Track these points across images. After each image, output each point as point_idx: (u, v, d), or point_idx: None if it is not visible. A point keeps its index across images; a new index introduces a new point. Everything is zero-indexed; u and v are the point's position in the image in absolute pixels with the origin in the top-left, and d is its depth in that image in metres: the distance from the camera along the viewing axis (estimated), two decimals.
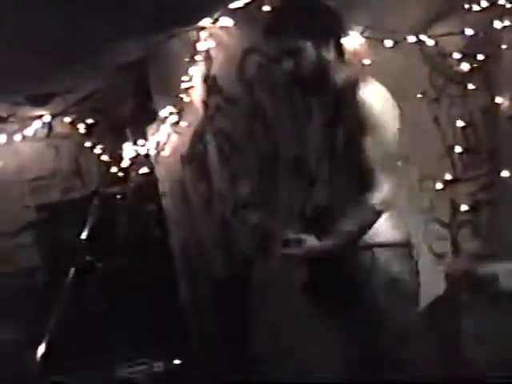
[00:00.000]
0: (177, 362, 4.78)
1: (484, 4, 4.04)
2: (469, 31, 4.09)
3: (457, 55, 4.15)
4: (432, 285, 3.77)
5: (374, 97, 2.72)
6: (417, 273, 2.87)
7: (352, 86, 2.74)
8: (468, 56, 4.13)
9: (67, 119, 5.94)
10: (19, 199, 5.89)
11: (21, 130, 5.70)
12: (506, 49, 4.06)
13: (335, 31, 2.86)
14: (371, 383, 2.73)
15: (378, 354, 2.73)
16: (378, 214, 2.73)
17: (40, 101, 5.54)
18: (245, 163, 4.61)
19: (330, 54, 2.82)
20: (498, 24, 4.04)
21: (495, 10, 4.03)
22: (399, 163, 2.84)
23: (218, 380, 4.75)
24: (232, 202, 4.73)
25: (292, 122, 3.05)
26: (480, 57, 4.11)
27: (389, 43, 4.17)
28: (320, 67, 2.80)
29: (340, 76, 2.82)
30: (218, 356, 4.96)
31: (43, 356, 2.90)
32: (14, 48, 4.16)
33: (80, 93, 5.71)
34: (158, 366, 4.81)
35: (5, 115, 5.59)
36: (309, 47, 2.78)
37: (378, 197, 2.69)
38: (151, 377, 4.78)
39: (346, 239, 2.74)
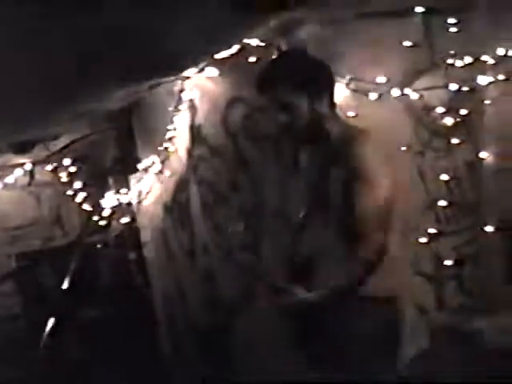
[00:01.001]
0: None
1: (467, 60, 4.09)
2: (453, 86, 4.13)
3: (441, 109, 4.19)
4: (416, 339, 3.76)
5: (366, 150, 2.74)
6: (401, 327, 2.87)
7: (345, 139, 2.77)
8: (452, 110, 4.17)
9: (49, 167, 5.91)
10: (0, 248, 5.83)
11: (2, 177, 5.67)
12: (489, 104, 4.10)
13: (328, 84, 2.90)
14: None
15: None
16: (366, 268, 2.73)
17: (22, 148, 5.52)
18: (228, 213, 4.59)
19: (324, 107, 2.84)
20: (481, 79, 4.08)
21: (478, 66, 4.08)
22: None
23: None
24: (216, 250, 4.70)
25: (278, 173, 3.06)
26: (464, 111, 4.15)
27: (373, 96, 4.20)
28: (313, 121, 2.83)
29: (333, 129, 2.85)
30: None
31: None
32: None
33: (62, 140, 5.70)
34: None
35: None
36: (302, 101, 2.80)
37: (366, 251, 2.70)
38: None
39: (334, 291, 2.73)
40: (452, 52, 4.11)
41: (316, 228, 2.82)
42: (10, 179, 5.71)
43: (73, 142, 5.75)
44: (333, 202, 2.76)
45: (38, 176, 5.99)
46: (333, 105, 2.92)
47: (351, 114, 4.08)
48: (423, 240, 4.16)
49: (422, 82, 4.21)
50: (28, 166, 5.79)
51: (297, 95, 2.80)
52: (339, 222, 2.75)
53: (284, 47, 4.18)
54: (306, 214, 2.85)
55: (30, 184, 5.98)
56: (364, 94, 4.20)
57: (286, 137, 2.94)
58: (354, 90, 4.20)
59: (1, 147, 5.46)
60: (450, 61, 4.13)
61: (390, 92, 4.20)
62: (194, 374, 5.00)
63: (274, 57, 3.91)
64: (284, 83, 2.81)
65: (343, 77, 4.16)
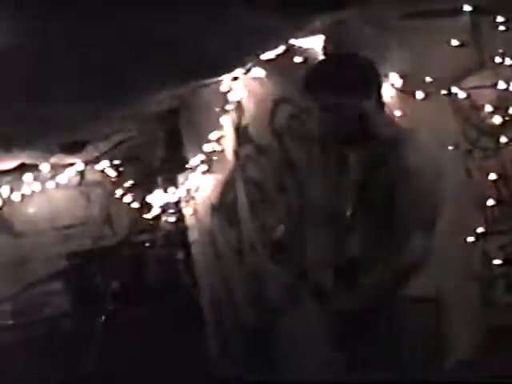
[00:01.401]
0: None
1: None
2: (501, 84, 4.09)
3: (489, 108, 4.15)
4: (461, 341, 3.73)
5: (413, 151, 2.73)
6: (448, 327, 2.85)
7: (391, 141, 2.76)
8: (500, 109, 4.13)
9: (99, 167, 6.00)
10: (52, 246, 5.94)
11: (54, 177, 5.77)
12: None
13: (376, 85, 2.89)
14: None
15: None
16: (410, 271, 2.72)
17: (73, 149, 5.60)
18: (275, 213, 4.61)
19: (371, 109, 2.83)
20: None
21: None
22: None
23: None
24: (263, 251, 4.72)
25: (325, 174, 3.07)
26: None
27: (420, 95, 4.18)
28: (361, 122, 2.82)
29: (380, 130, 2.84)
30: None
31: None
32: (49, 96, 4.22)
33: (112, 141, 5.77)
34: None
35: (38, 163, 5.67)
36: (350, 102, 2.80)
37: (411, 254, 2.69)
38: None
39: (378, 293, 2.73)
40: (500, 51, 4.06)
41: (362, 229, 2.81)
42: (61, 179, 5.80)
43: (122, 142, 5.82)
44: (379, 203, 2.75)
45: (88, 176, 6.09)
46: (381, 105, 2.91)
47: (398, 113, 4.07)
48: (471, 239, 4.13)
49: (469, 81, 4.18)
50: (79, 166, 5.88)
51: (345, 96, 2.80)
52: (385, 223, 2.74)
53: (330, 48, 4.18)
54: (352, 215, 2.84)
55: (80, 184, 6.08)
56: (411, 94, 4.17)
57: (333, 137, 2.93)
58: (401, 90, 4.18)
59: (52, 148, 5.56)
60: (498, 59, 4.09)
61: (437, 91, 4.17)
62: (243, 375, 5.03)
63: (321, 57, 3.92)
64: (333, 84, 2.81)
65: (389, 77, 4.15)
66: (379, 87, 2.91)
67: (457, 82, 4.16)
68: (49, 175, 5.74)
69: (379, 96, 2.89)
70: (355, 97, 2.80)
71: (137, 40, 3.73)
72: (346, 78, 2.81)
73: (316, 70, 2.96)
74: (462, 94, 4.17)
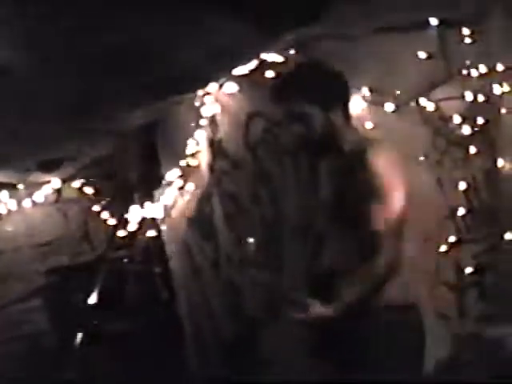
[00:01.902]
0: None
1: (483, 70, 4.12)
2: (469, 95, 4.17)
3: (458, 119, 4.22)
4: (438, 348, 3.78)
5: (381, 162, 2.76)
6: (423, 335, 2.88)
7: (360, 151, 2.79)
8: (469, 120, 4.20)
9: (76, 184, 6.01)
10: (29, 264, 5.93)
11: (30, 195, 5.77)
12: (505, 113, 4.13)
13: (343, 95, 2.91)
14: None
15: None
16: (385, 278, 2.76)
17: (50, 166, 5.60)
18: (251, 225, 4.65)
19: (338, 119, 2.86)
20: (497, 89, 4.12)
21: (494, 76, 4.11)
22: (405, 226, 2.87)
23: None
24: (239, 262, 4.76)
25: (298, 185, 3.11)
26: (480, 120, 4.18)
27: (390, 107, 4.24)
28: (329, 132, 2.84)
29: (348, 140, 2.87)
30: None
31: None
32: (22, 114, 4.23)
33: (88, 158, 5.78)
34: None
35: (15, 182, 5.67)
36: (317, 112, 2.82)
37: (380, 263, 2.72)
38: None
39: (352, 303, 2.76)
40: (467, 62, 4.14)
41: (334, 240, 2.84)
42: (38, 197, 5.80)
43: (98, 159, 5.83)
44: (349, 214, 2.78)
45: (65, 193, 6.09)
46: (348, 116, 2.93)
47: (369, 125, 4.13)
48: (443, 248, 4.19)
49: (438, 93, 4.25)
50: (56, 184, 5.88)
51: (310, 106, 2.81)
52: (356, 234, 2.78)
53: (302, 62, 4.23)
54: (324, 227, 2.88)
55: (57, 201, 6.08)
56: (381, 106, 4.24)
57: (302, 149, 2.96)
58: (371, 102, 4.24)
59: (29, 165, 5.56)
60: (465, 71, 4.17)
61: (406, 103, 4.24)
62: None
63: (289, 69, 3.97)
64: (298, 94, 2.83)
65: (360, 89, 4.21)
66: (346, 97, 2.93)
67: (425, 93, 4.24)
68: (25, 193, 5.75)
69: (346, 106, 2.91)
70: (319, 106, 2.82)
71: (111, 56, 3.75)
72: (310, 87, 2.83)
73: (281, 81, 2.99)
74: (430, 106, 4.24)
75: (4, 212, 5.65)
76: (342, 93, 2.93)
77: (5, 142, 4.54)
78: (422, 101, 4.22)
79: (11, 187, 5.66)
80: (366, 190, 2.74)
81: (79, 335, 3.28)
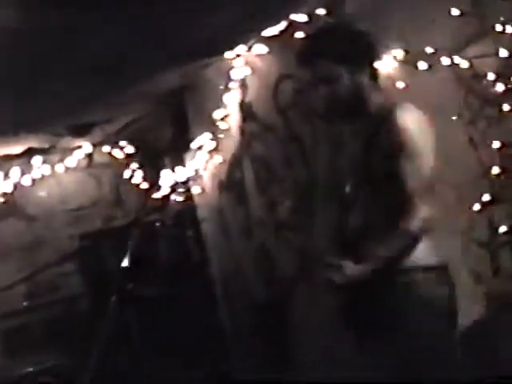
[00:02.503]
0: None
1: None
2: (503, 52, 4.08)
3: (491, 76, 4.14)
4: (471, 307, 3.75)
5: (411, 121, 2.73)
6: (455, 296, 2.86)
7: (388, 111, 2.75)
8: (503, 77, 4.11)
9: (107, 149, 6.04)
10: (63, 228, 6.00)
11: (62, 160, 5.81)
12: None
13: (369, 56, 2.88)
14: None
15: (415, 379, 2.73)
16: (416, 239, 2.74)
17: (80, 131, 5.64)
18: (282, 189, 4.64)
19: (365, 80, 2.83)
20: None
21: None
22: (436, 186, 2.84)
23: None
24: (271, 225, 4.76)
25: (327, 147, 3.08)
26: None
27: (422, 66, 4.17)
28: (355, 93, 2.82)
29: (376, 101, 2.84)
30: (260, 380, 4.96)
31: (89, 381, 2.94)
32: (54, 78, 4.24)
33: (119, 122, 5.81)
34: None
35: (47, 146, 5.71)
36: (344, 73, 2.80)
37: (415, 221, 2.70)
38: None
39: (384, 264, 2.74)
40: (501, 19, 4.05)
41: (364, 202, 2.82)
42: (70, 162, 5.85)
43: (129, 123, 5.85)
44: (379, 175, 2.76)
45: (96, 158, 6.13)
46: (375, 76, 2.89)
47: (400, 85, 4.07)
48: (477, 208, 4.14)
49: (471, 50, 4.16)
50: (87, 149, 5.92)
51: (337, 67, 2.79)
52: (387, 195, 2.76)
53: (331, 22, 4.18)
54: (354, 188, 2.85)
55: (89, 166, 6.13)
56: (413, 65, 4.17)
57: (330, 111, 2.93)
58: (403, 61, 4.18)
59: (60, 131, 5.60)
60: (499, 28, 4.07)
61: (439, 61, 4.16)
62: (254, 349, 5.08)
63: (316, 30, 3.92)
64: (324, 55, 2.80)
65: (391, 49, 4.15)
66: (372, 57, 2.89)
67: (458, 51, 4.15)
68: (57, 158, 5.79)
69: (372, 66, 2.88)
70: (345, 67, 2.79)
71: (141, 20, 3.74)
72: (335, 48, 2.80)
73: (307, 43, 2.95)
74: (464, 64, 4.16)
75: (37, 177, 5.71)
76: (369, 53, 2.89)
77: (36, 107, 4.56)
78: (456, 59, 4.13)
79: (44, 152, 5.71)
80: (397, 150, 2.71)
81: (113, 299, 3.30)
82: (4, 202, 5.72)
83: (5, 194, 5.63)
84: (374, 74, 2.87)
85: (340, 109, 2.85)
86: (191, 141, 5.36)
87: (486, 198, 4.15)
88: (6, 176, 5.57)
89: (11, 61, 3.75)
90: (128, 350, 5.01)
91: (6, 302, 5.60)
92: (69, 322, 5.42)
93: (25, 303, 5.62)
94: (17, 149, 5.67)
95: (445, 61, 4.15)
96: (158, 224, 5.72)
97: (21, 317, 5.54)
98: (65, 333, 5.31)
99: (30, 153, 5.69)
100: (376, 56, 2.94)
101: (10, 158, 5.70)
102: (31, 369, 5.09)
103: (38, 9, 3.26)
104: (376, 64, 2.90)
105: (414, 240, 2.73)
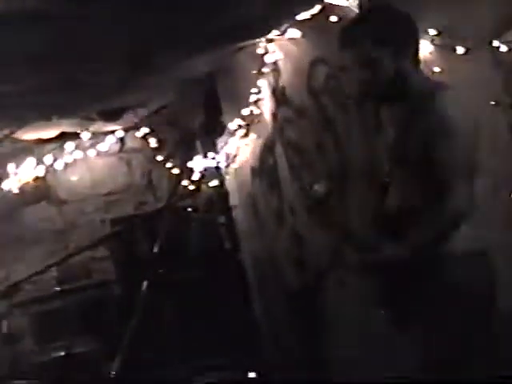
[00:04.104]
0: (252, 374, 4.79)
1: None
2: None
3: None
4: (509, 297, 3.69)
5: (450, 106, 2.69)
6: (495, 283, 2.82)
7: (428, 95, 2.73)
8: None
9: (139, 134, 6.03)
10: (94, 213, 6.02)
11: (94, 145, 5.82)
12: None
13: (412, 39, 2.85)
14: None
15: (452, 367, 2.69)
16: (455, 224, 2.69)
17: (112, 116, 5.64)
18: (315, 174, 4.59)
19: (407, 63, 2.80)
20: None
21: None
22: (474, 172, 2.79)
23: None
24: (305, 212, 4.71)
25: (362, 131, 3.04)
26: None
27: (460, 50, 4.10)
28: (397, 76, 2.79)
29: (416, 84, 2.81)
30: (294, 369, 4.94)
31: (120, 367, 2.94)
32: (86, 63, 4.24)
33: (151, 107, 5.80)
34: (234, 379, 4.82)
35: (79, 131, 5.72)
36: (386, 56, 2.77)
37: (454, 206, 2.66)
38: None
39: (422, 248, 2.71)
40: None
41: (402, 184, 2.79)
42: (102, 146, 5.85)
43: (160, 108, 5.84)
44: (417, 158, 2.72)
45: (128, 143, 6.14)
46: (417, 60, 2.87)
47: (437, 69, 4.00)
48: None
49: (511, 34, 4.08)
50: (119, 133, 5.92)
51: (380, 51, 2.77)
52: (425, 178, 2.72)
53: (366, 5, 4.11)
54: (392, 171, 2.82)
55: (121, 150, 6.13)
56: (450, 49, 4.10)
57: (368, 94, 2.90)
58: (440, 46, 4.10)
59: (92, 116, 5.60)
60: None
61: (478, 46, 4.08)
62: (287, 336, 5.06)
63: (357, 13, 3.86)
64: (367, 39, 2.77)
65: (428, 32, 4.07)
66: (415, 42, 2.87)
67: (498, 35, 4.07)
68: (89, 143, 5.80)
69: (415, 51, 2.85)
70: (389, 51, 2.77)
71: (173, 4, 3.72)
72: (379, 32, 2.78)
73: (350, 26, 2.92)
74: (503, 48, 4.07)
75: (70, 161, 5.72)
76: (411, 37, 2.86)
77: (68, 92, 4.57)
78: (495, 43, 4.05)
79: (76, 137, 5.72)
80: (435, 135, 2.67)
81: (145, 284, 3.30)
82: (36, 186, 5.74)
83: (37, 178, 5.64)
84: (416, 58, 2.84)
85: (380, 92, 2.82)
86: (224, 126, 5.33)
87: None
88: (39, 160, 5.58)
89: (43, 46, 3.74)
90: (159, 335, 5.01)
91: (38, 286, 5.64)
92: (100, 308, 5.44)
93: (56, 288, 5.65)
94: (49, 133, 5.69)
95: (483, 45, 4.07)
96: (189, 210, 5.75)
97: (52, 302, 5.58)
98: (96, 318, 5.32)
99: (62, 138, 5.70)
100: (418, 40, 2.90)
101: (42, 143, 5.72)
102: (62, 354, 5.12)
103: None
104: (418, 47, 2.86)
105: (453, 225, 2.70)
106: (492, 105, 4.02)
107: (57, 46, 3.82)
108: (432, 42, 4.11)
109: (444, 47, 4.11)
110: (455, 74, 3.88)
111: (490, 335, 2.79)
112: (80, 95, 4.74)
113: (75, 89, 4.60)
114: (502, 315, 2.98)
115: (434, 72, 3.91)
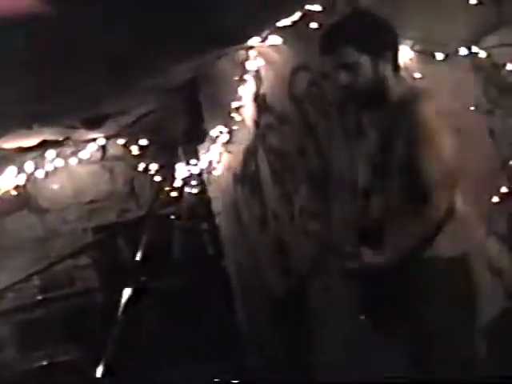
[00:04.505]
0: (234, 382, 4.77)
1: None
2: None
3: (511, 66, 4.09)
4: (491, 301, 3.71)
5: (430, 111, 2.70)
6: (475, 288, 2.83)
7: (409, 101, 2.74)
8: None
9: (120, 141, 6.02)
10: (77, 221, 6.00)
11: (76, 153, 5.79)
12: None
13: (392, 45, 2.86)
14: None
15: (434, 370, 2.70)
16: (436, 229, 2.71)
17: (94, 123, 5.62)
18: (297, 180, 4.60)
19: (388, 69, 2.81)
20: None
21: None
22: (456, 176, 2.81)
23: None
24: (287, 217, 4.72)
25: (344, 137, 3.06)
26: None
27: (440, 56, 4.13)
28: (377, 82, 2.80)
29: (396, 91, 2.82)
30: (277, 375, 4.93)
31: (102, 375, 2.92)
32: (67, 71, 4.22)
33: (132, 115, 5.78)
34: None
35: (61, 139, 5.70)
36: (366, 62, 2.78)
37: (434, 211, 2.68)
38: None
39: (403, 254, 2.72)
40: None
41: (383, 191, 2.80)
42: (84, 154, 5.83)
43: (143, 115, 5.83)
44: (398, 165, 2.73)
45: (110, 150, 6.12)
46: (397, 65, 2.88)
47: (417, 75, 4.03)
48: (495, 199, 4.10)
49: (489, 40, 4.12)
50: (101, 141, 5.90)
51: (360, 55, 2.77)
52: (405, 185, 2.73)
53: (346, 11, 4.13)
54: (372, 178, 2.83)
55: (103, 158, 6.11)
56: (430, 55, 4.13)
57: (349, 100, 2.91)
58: (420, 51, 4.13)
59: (73, 123, 5.58)
60: None
61: (457, 51, 4.12)
62: (270, 343, 5.06)
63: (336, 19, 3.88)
64: (347, 43, 2.78)
65: (408, 38, 4.10)
66: (395, 48, 2.88)
67: (476, 41, 4.11)
68: (71, 151, 5.78)
69: (395, 57, 2.86)
70: (369, 56, 2.78)
71: (153, 12, 3.71)
72: (360, 37, 2.78)
73: (330, 30, 2.93)
74: (482, 54, 4.11)
75: (51, 169, 5.69)
76: (391, 42, 2.88)
77: (49, 99, 4.54)
78: (474, 49, 4.09)
79: (57, 145, 5.70)
80: (415, 141, 2.69)
81: (127, 292, 3.27)
82: (17, 195, 5.70)
83: (18, 187, 5.61)
84: (396, 64, 2.85)
85: (361, 97, 2.83)
86: (205, 133, 5.33)
87: (505, 189, 4.11)
88: (20, 169, 5.55)
89: (25, 53, 3.72)
90: (142, 343, 4.99)
91: (20, 295, 5.60)
92: (83, 315, 5.41)
93: (39, 296, 5.61)
94: (30, 141, 5.66)
95: (463, 51, 4.11)
96: (172, 217, 5.73)
97: (35, 310, 5.54)
98: (79, 326, 5.30)
99: (43, 145, 5.67)
100: (398, 45, 2.92)
101: (23, 151, 5.69)
102: (44, 363, 5.09)
103: None
104: (398, 53, 2.88)
105: (435, 230, 2.71)
106: (472, 110, 4.06)
107: (38, 53, 3.80)
108: (412, 48, 4.14)
109: (424, 53, 4.14)
110: (435, 80, 3.91)
111: (471, 340, 2.80)
112: (62, 103, 4.71)
113: (57, 96, 4.58)
114: (482, 322, 3.01)
115: (414, 78, 3.94)
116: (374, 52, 2.79)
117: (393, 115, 2.78)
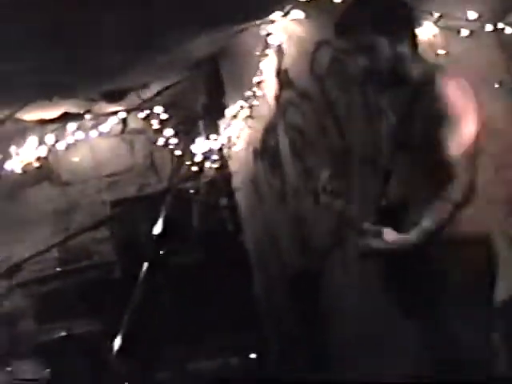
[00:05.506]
0: (253, 355, 4.80)
1: None
2: None
3: None
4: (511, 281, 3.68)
5: (452, 89, 2.67)
6: (496, 267, 2.81)
7: (429, 80, 2.70)
8: None
9: (141, 115, 6.01)
10: (96, 194, 6.02)
11: (96, 126, 5.80)
12: None
13: (410, 25, 2.82)
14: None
15: (455, 351, 2.68)
16: (456, 208, 2.68)
17: (114, 97, 5.62)
18: (317, 157, 4.58)
19: (405, 48, 2.77)
20: None
21: None
22: (476, 155, 2.77)
23: (294, 374, 4.74)
24: (307, 193, 4.70)
25: (364, 116, 3.03)
26: None
27: (465, 32, 4.06)
28: (395, 62, 2.77)
29: (416, 70, 2.79)
30: (294, 349, 4.95)
31: (119, 348, 2.94)
32: (88, 45, 4.22)
33: (153, 88, 5.78)
34: (234, 360, 4.83)
35: (81, 112, 5.70)
36: (383, 42, 2.75)
37: (456, 190, 2.65)
38: (227, 371, 4.81)
39: (424, 233, 2.69)
40: None
41: (403, 170, 2.78)
42: (104, 127, 5.83)
43: (163, 89, 5.81)
44: (418, 143, 2.71)
45: (131, 124, 6.12)
46: (415, 45, 2.84)
47: (441, 51, 3.97)
48: None
49: None
50: (121, 114, 5.90)
51: (377, 37, 2.74)
52: (426, 163, 2.70)
53: None
54: (393, 157, 2.80)
55: (123, 132, 6.12)
56: (454, 31, 4.06)
57: (368, 81, 2.88)
58: (444, 27, 4.07)
59: (94, 96, 5.58)
60: None
61: (482, 27, 4.04)
62: (288, 317, 5.07)
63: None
64: (363, 25, 2.75)
65: (432, 14, 4.04)
66: (412, 27, 2.84)
67: (502, 16, 4.03)
68: (92, 124, 5.78)
69: (412, 36, 2.82)
70: (386, 37, 2.74)
71: None
72: (375, 18, 2.75)
73: (346, 12, 2.89)
74: (508, 30, 4.04)
75: (71, 142, 5.70)
76: (408, 22, 2.83)
77: (70, 72, 4.55)
78: (499, 24, 4.01)
79: (78, 117, 5.70)
80: (437, 118, 2.65)
81: (145, 265, 3.28)
82: (39, 167, 5.72)
83: (39, 159, 5.63)
84: (414, 43, 2.81)
85: (380, 78, 2.80)
86: (226, 108, 5.31)
87: None
88: (41, 140, 5.56)
89: (46, 27, 3.73)
90: (160, 317, 5.01)
91: (40, 267, 5.65)
92: (101, 288, 5.44)
93: (58, 268, 5.66)
94: (51, 113, 5.67)
95: (488, 27, 4.04)
96: (191, 191, 5.73)
97: (53, 282, 5.59)
98: (97, 299, 5.33)
99: (64, 118, 5.68)
100: (416, 24, 2.87)
101: (44, 123, 5.70)
102: (62, 334, 5.13)
103: None
104: (416, 32, 2.83)
105: (455, 209, 2.68)
106: (496, 87, 4.00)
107: (61, 28, 3.81)
108: (436, 23, 4.07)
109: (448, 29, 4.08)
110: (459, 56, 3.86)
111: (489, 322, 2.78)
112: (83, 76, 4.72)
113: (78, 69, 4.59)
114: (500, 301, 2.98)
115: (438, 54, 3.89)
116: (390, 33, 2.75)
117: (412, 94, 2.75)
